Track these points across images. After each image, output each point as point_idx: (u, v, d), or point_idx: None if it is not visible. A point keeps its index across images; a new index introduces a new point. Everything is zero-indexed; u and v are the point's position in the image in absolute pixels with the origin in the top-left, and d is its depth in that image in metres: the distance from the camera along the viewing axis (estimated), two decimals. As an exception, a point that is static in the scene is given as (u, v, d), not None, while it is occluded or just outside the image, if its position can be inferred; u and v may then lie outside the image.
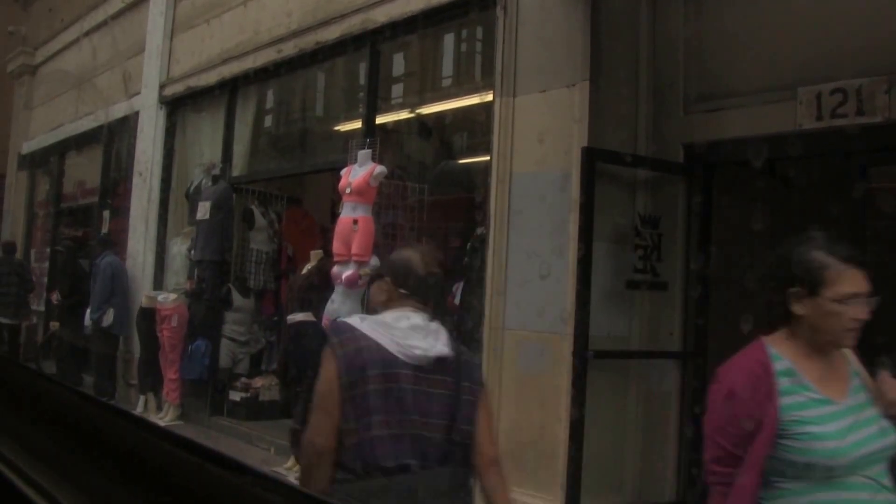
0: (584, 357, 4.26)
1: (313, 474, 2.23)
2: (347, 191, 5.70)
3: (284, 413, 6.77)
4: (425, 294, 2.36)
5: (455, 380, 2.29)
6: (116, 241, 9.05)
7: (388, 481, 2.17)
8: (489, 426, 2.39)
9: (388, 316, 2.31)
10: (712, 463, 1.99)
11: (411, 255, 2.44)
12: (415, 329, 2.27)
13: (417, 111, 6.88)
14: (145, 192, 8.83)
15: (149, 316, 7.91)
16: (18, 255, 11.87)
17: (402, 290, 2.34)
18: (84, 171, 11.19)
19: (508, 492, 2.46)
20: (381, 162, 5.78)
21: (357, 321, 2.32)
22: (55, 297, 9.69)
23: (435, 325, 2.33)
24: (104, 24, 10.14)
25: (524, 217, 4.77)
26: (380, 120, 6.50)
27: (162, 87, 8.88)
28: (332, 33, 6.48)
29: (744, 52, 4.46)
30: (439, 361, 2.26)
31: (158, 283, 8.58)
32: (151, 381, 8.04)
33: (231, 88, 7.99)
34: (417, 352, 2.23)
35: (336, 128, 7.55)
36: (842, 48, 3.99)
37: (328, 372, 2.21)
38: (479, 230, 5.42)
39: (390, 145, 6.50)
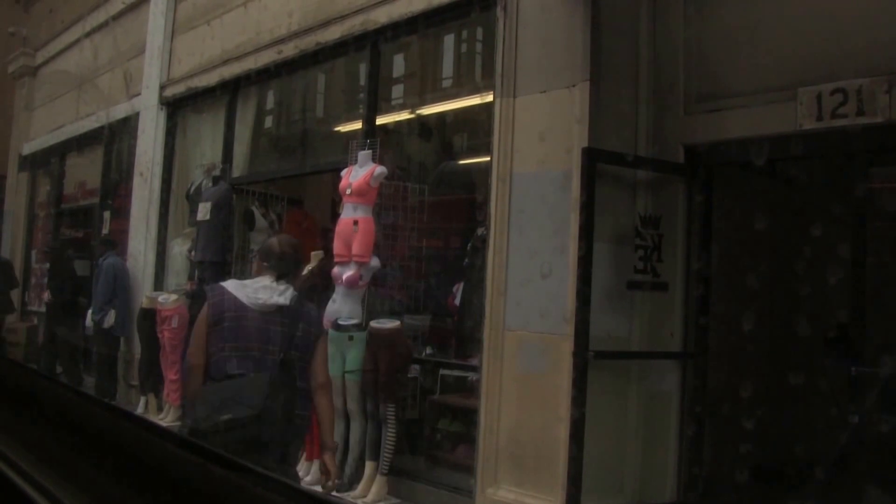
0: (585, 357, 4.26)
1: (191, 380, 3.49)
2: (348, 192, 5.70)
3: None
4: (279, 266, 3.51)
5: (291, 321, 3.40)
6: (117, 242, 9.06)
7: (232, 384, 3.28)
8: (323, 360, 3.53)
9: (249, 281, 3.57)
10: None
11: (272, 242, 3.68)
12: (263, 287, 3.45)
13: (418, 112, 6.87)
14: (146, 193, 8.83)
15: (149, 317, 7.90)
16: (19, 255, 11.89)
17: (265, 264, 3.54)
18: (85, 171, 11.19)
19: (333, 411, 3.70)
20: (381, 163, 5.78)
21: (227, 283, 3.60)
22: (46, 296, 9.71)
23: (283, 286, 3.46)
24: (105, 25, 10.14)
25: (525, 216, 4.77)
26: (380, 121, 6.50)
27: (162, 87, 8.88)
28: (332, 34, 6.48)
29: (744, 52, 4.46)
30: (279, 308, 3.40)
31: (159, 284, 8.58)
32: (152, 382, 8.03)
33: (232, 89, 7.99)
34: (260, 301, 3.39)
35: (336, 128, 7.55)
36: (842, 48, 3.99)
37: (202, 315, 3.43)
38: (480, 230, 5.42)
39: (391, 146, 6.50)
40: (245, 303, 3.41)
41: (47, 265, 11.59)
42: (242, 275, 7.65)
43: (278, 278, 3.48)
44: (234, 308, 3.40)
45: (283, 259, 3.55)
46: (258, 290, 3.46)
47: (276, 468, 3.32)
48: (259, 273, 3.57)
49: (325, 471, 3.49)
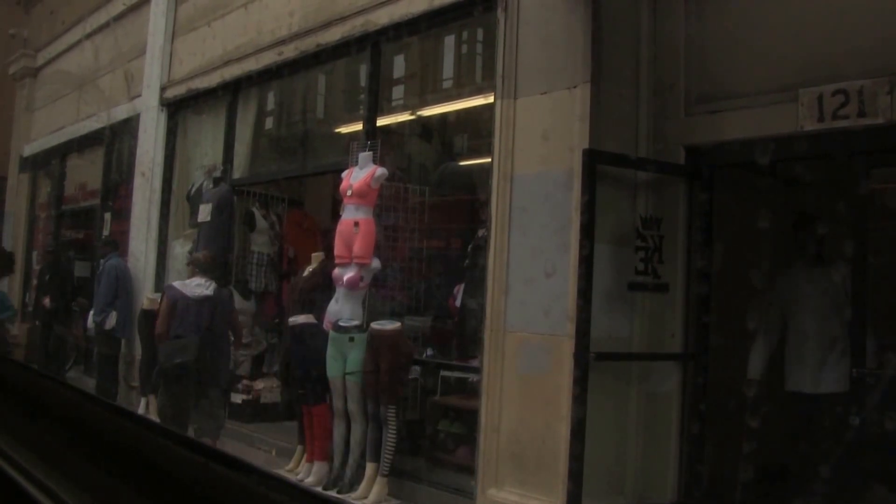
0: (586, 358, 4.25)
1: (160, 341, 5.94)
2: (349, 193, 5.70)
3: (286, 415, 6.77)
4: (205, 271, 6.05)
5: (213, 305, 5.91)
6: (119, 243, 9.07)
7: (179, 341, 5.74)
8: (236, 324, 6.37)
9: (188, 280, 6.11)
10: None
11: (198, 256, 6.32)
12: (197, 285, 5.92)
13: (419, 113, 6.87)
14: (147, 194, 8.83)
15: (150, 318, 7.88)
16: (20, 256, 11.88)
17: (196, 270, 6.11)
18: (85, 173, 11.19)
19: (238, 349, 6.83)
20: (382, 164, 5.78)
21: (175, 283, 6.23)
22: (46, 302, 9.71)
23: (208, 283, 5.97)
24: (105, 26, 10.15)
25: (528, 216, 4.77)
26: (381, 122, 6.50)
27: (163, 88, 8.88)
28: (333, 35, 6.49)
29: (745, 53, 4.46)
30: (206, 298, 5.86)
31: (160, 285, 8.57)
32: (153, 383, 8.02)
33: (232, 90, 7.99)
34: (196, 293, 5.85)
35: (337, 130, 7.55)
36: (843, 49, 3.99)
37: (165, 302, 6.01)
38: (481, 231, 5.42)
39: (392, 147, 6.50)
40: (188, 295, 5.89)
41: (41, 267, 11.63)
42: (242, 275, 7.71)
43: (204, 277, 6.00)
44: (181, 298, 5.89)
45: (207, 266, 6.14)
46: (194, 287, 5.95)
47: (210, 388, 5.96)
48: (193, 275, 6.14)
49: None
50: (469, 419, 5.21)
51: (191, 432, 5.79)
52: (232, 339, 6.42)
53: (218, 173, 7.87)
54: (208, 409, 5.99)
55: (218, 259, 6.53)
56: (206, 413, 5.97)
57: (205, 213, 7.52)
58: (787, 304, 4.74)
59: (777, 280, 4.77)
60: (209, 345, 5.77)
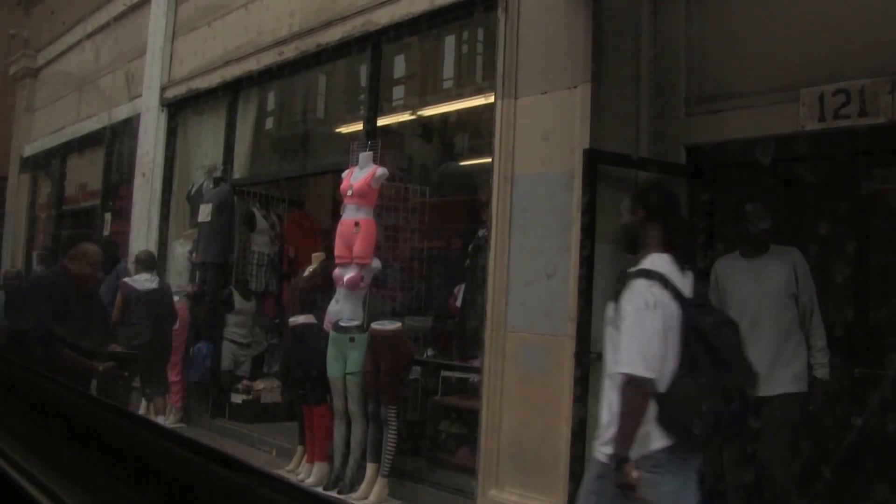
0: (587, 358, 4.25)
1: (116, 327, 6.44)
2: (349, 193, 5.70)
3: (286, 415, 6.77)
4: (147, 268, 7.22)
5: (160, 297, 7.12)
6: (117, 244, 9.06)
7: (134, 327, 6.76)
8: (174, 308, 7.34)
9: (137, 276, 7.20)
10: None
11: (140, 255, 7.49)
12: (145, 280, 7.10)
13: (419, 113, 6.87)
14: (147, 194, 8.83)
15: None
16: (20, 257, 11.89)
17: (140, 267, 7.26)
18: (85, 173, 11.20)
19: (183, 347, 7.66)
20: (382, 164, 5.78)
21: (127, 279, 7.24)
22: None
23: (154, 278, 7.21)
24: (106, 26, 10.15)
25: (529, 216, 4.76)
26: (381, 122, 6.50)
27: (164, 89, 8.88)
28: (333, 35, 6.48)
29: (746, 52, 4.46)
30: (153, 290, 7.07)
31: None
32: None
33: (233, 90, 7.99)
34: (144, 287, 7.03)
35: (337, 130, 7.55)
36: (844, 49, 3.99)
37: (120, 296, 7.01)
38: (481, 232, 5.41)
39: (392, 147, 6.50)
40: (138, 288, 7.00)
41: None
42: (243, 275, 7.71)
43: (149, 273, 7.12)
44: (134, 291, 6.98)
45: (149, 264, 7.25)
46: (143, 282, 7.06)
47: (157, 361, 7.12)
48: (139, 272, 7.20)
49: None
50: (470, 419, 5.20)
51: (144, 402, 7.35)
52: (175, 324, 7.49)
53: (218, 173, 7.87)
54: (157, 377, 7.29)
55: (155, 258, 7.72)
56: (155, 381, 7.29)
57: (205, 213, 7.52)
58: (723, 294, 4.24)
59: (714, 267, 4.34)
60: (157, 327, 7.02)
